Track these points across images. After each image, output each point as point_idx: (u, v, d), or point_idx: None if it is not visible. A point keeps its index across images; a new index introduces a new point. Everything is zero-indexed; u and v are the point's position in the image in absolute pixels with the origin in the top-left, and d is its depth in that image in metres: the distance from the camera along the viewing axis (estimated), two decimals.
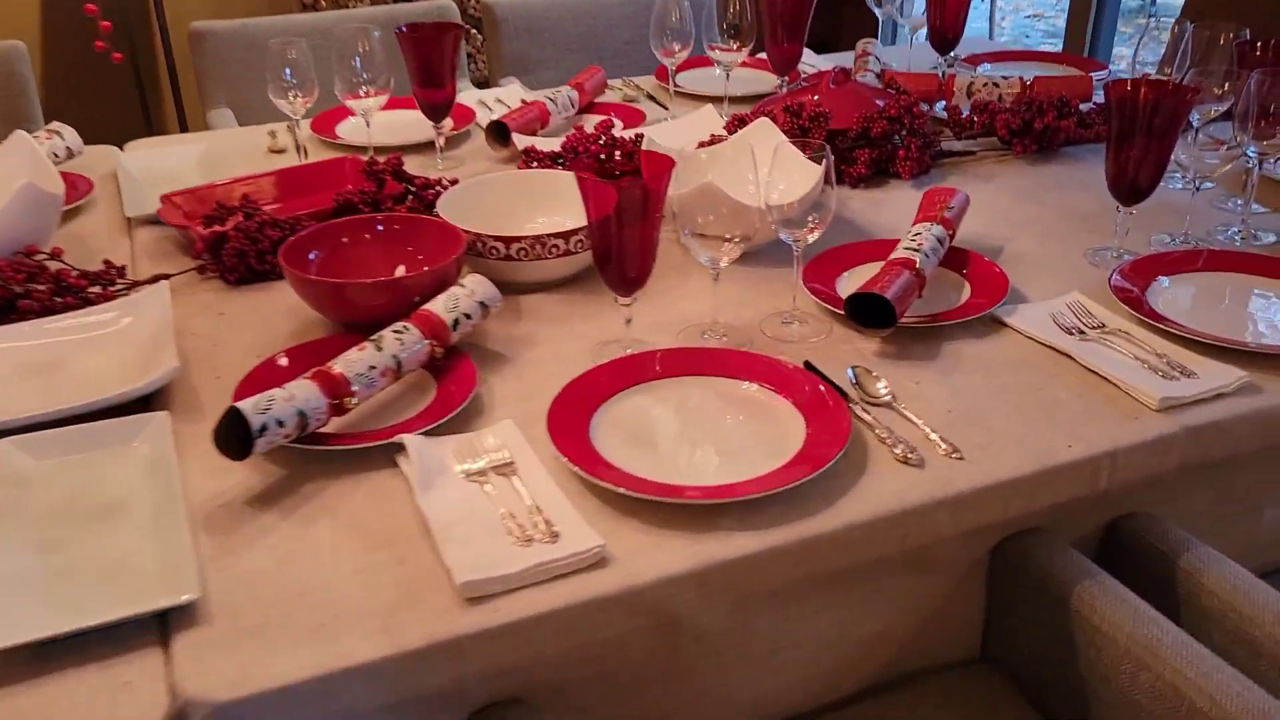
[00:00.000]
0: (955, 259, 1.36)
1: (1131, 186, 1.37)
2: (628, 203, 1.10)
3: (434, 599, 0.86)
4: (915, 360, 1.18)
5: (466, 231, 1.30)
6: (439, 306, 1.16)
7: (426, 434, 1.04)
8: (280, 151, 1.86)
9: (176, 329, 1.26)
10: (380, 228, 1.32)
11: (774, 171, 1.18)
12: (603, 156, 1.53)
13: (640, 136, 1.53)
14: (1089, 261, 1.41)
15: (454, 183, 1.49)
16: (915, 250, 1.27)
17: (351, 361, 1.06)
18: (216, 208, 1.40)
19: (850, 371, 1.14)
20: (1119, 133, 1.34)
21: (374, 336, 1.10)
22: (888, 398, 1.11)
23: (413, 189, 1.49)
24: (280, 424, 0.97)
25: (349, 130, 1.88)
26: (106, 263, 1.33)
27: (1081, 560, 1.05)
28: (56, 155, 1.71)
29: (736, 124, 1.66)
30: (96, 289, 1.30)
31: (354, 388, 1.04)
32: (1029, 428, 1.07)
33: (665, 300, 1.32)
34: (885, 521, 0.96)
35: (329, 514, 0.96)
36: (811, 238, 1.22)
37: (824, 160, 1.18)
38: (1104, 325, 1.23)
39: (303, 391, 1.00)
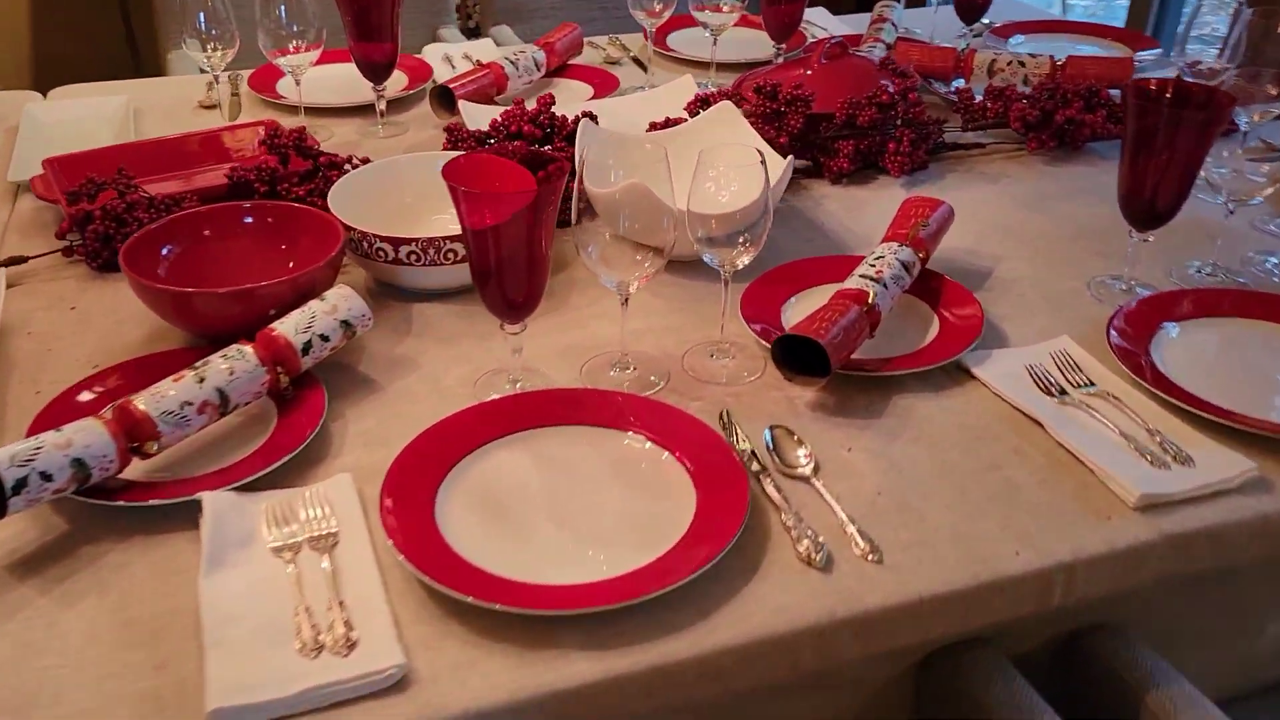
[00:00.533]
0: (927, 286, 1.15)
1: (1146, 209, 1.14)
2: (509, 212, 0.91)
3: None
4: (855, 417, 0.99)
5: (350, 228, 1.11)
6: (289, 325, 0.98)
7: (246, 487, 0.87)
8: (212, 107, 1.69)
9: (12, 326, 1.10)
10: (250, 219, 1.14)
11: (727, 171, 0.98)
12: (535, 140, 1.34)
13: (585, 116, 1.33)
14: (1092, 295, 1.19)
15: (364, 162, 1.30)
16: (872, 280, 1.06)
17: (159, 397, 0.88)
18: (86, 181, 1.23)
19: (767, 434, 0.95)
20: (1135, 141, 1.12)
21: (199, 363, 0.93)
22: (807, 470, 0.92)
23: (319, 167, 1.31)
24: (47, 478, 0.80)
25: (291, 88, 1.69)
26: None
27: (1025, 687, 0.86)
28: None
29: (699, 105, 1.45)
30: None
31: (159, 429, 0.87)
32: (971, 523, 0.87)
33: (575, 319, 1.13)
34: (770, 645, 0.77)
35: (98, 590, 0.80)
36: (742, 262, 1.02)
37: (760, 171, 0.97)
38: (1092, 384, 1.02)
39: (84, 437, 0.83)
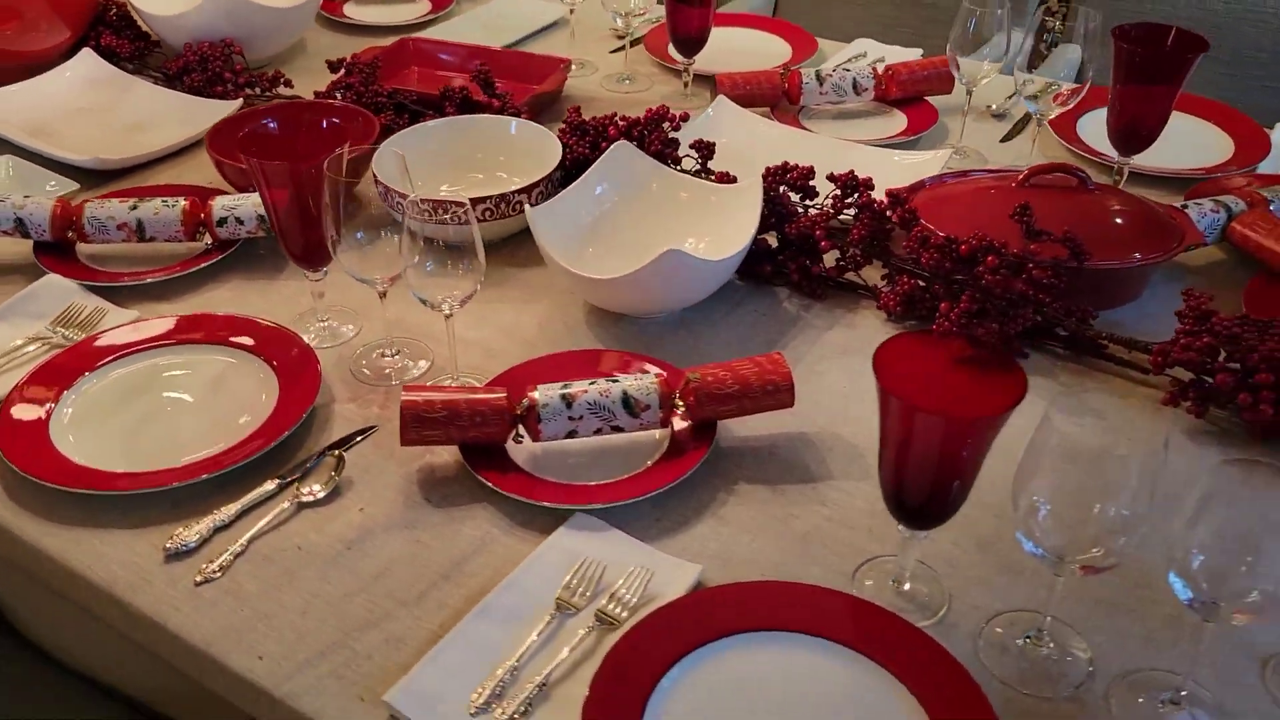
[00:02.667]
0: None
1: None
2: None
3: None
4: None
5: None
6: (220, 200, 1.26)
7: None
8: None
9: None
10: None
11: None
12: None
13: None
14: None
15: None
16: None
17: (101, 205, 1.25)
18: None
19: None
20: None
21: (140, 199, 1.26)
22: None
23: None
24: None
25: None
26: None
27: None
28: None
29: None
30: None
31: (87, 230, 1.24)
32: None
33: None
34: None
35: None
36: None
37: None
38: None
39: (37, 209, 1.24)
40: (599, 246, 1.24)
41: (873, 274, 1.24)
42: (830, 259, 1.23)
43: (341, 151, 1.00)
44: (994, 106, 1.63)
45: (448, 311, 1.03)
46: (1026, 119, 1.60)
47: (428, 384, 1.05)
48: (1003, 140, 1.56)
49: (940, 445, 0.79)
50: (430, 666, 0.81)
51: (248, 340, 1.12)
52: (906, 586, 0.88)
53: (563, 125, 1.36)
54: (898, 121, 1.59)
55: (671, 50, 1.65)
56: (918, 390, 0.78)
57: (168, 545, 0.91)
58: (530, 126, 1.38)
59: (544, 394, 0.98)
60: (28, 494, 0.96)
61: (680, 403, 1.00)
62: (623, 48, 1.82)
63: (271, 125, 1.30)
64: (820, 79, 1.59)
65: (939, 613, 0.86)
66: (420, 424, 0.95)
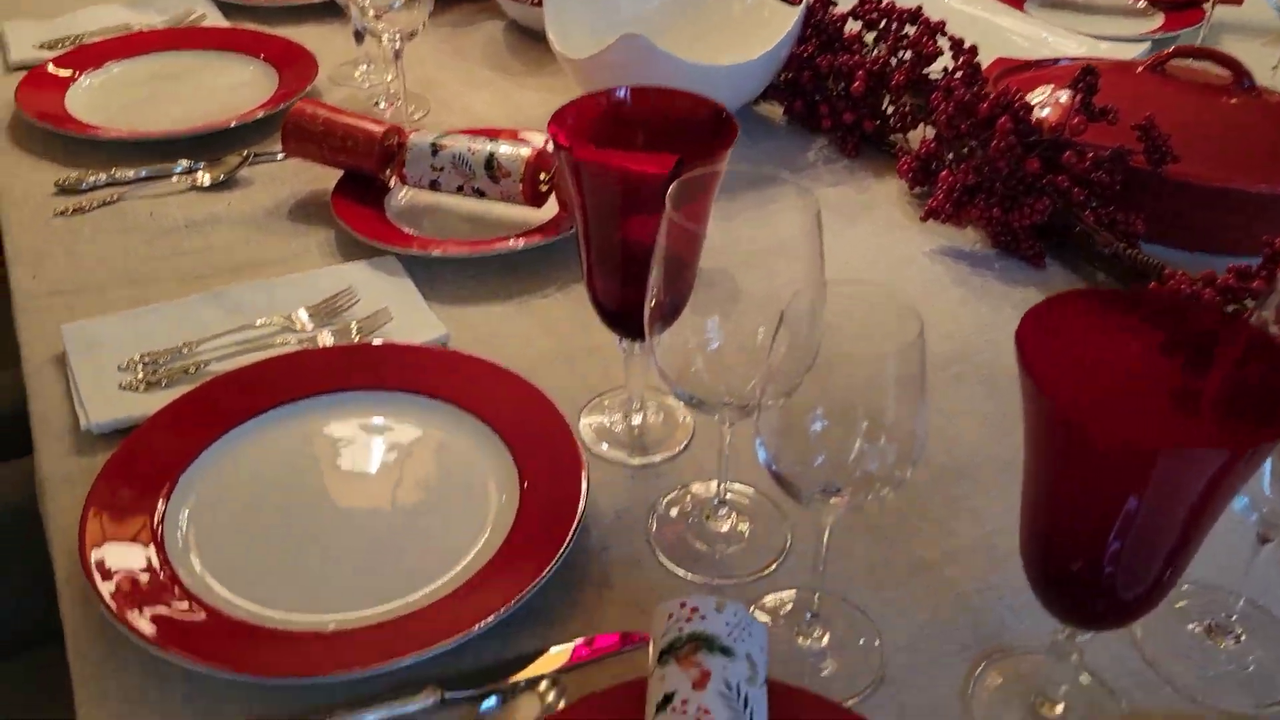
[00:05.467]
0: None
1: None
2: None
3: None
4: None
5: None
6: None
7: None
8: None
9: None
10: None
11: None
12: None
13: None
14: None
15: None
16: None
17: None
18: None
19: None
20: None
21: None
22: None
23: None
24: None
25: None
26: None
27: None
28: None
29: None
30: None
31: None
32: None
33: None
34: None
35: None
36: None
37: None
38: None
39: None
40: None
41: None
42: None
43: None
44: None
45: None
46: None
47: (328, 103, 0.99)
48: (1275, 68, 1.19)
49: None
50: (125, 319, 0.80)
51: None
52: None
53: None
54: (1151, 23, 1.27)
55: None
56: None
57: None
58: None
59: (417, 137, 0.93)
60: None
61: (546, 184, 0.90)
62: None
63: None
64: None
65: None
66: (300, 135, 0.94)
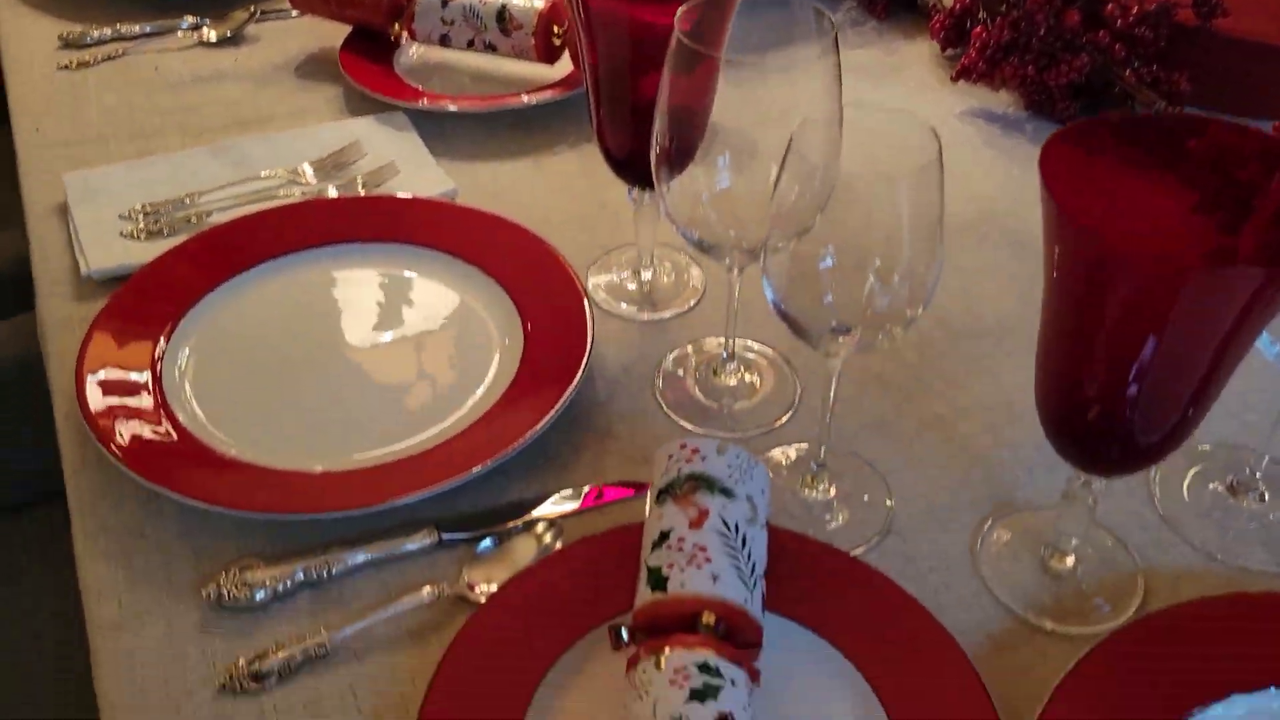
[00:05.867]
0: None
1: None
2: None
3: None
4: None
5: None
6: None
7: None
8: None
9: None
10: None
11: None
12: None
13: None
14: None
15: None
16: None
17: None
18: None
19: None
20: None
21: None
22: None
23: None
24: None
25: None
26: None
27: None
28: None
29: None
30: None
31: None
32: None
33: None
34: None
35: None
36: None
37: None
38: None
39: None
40: None
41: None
42: None
43: None
44: None
45: None
46: None
47: None
48: None
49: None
50: (127, 169, 0.79)
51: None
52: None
53: None
54: None
55: None
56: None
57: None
58: None
59: None
60: None
61: (559, 38, 0.86)
62: None
63: None
64: None
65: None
66: None
